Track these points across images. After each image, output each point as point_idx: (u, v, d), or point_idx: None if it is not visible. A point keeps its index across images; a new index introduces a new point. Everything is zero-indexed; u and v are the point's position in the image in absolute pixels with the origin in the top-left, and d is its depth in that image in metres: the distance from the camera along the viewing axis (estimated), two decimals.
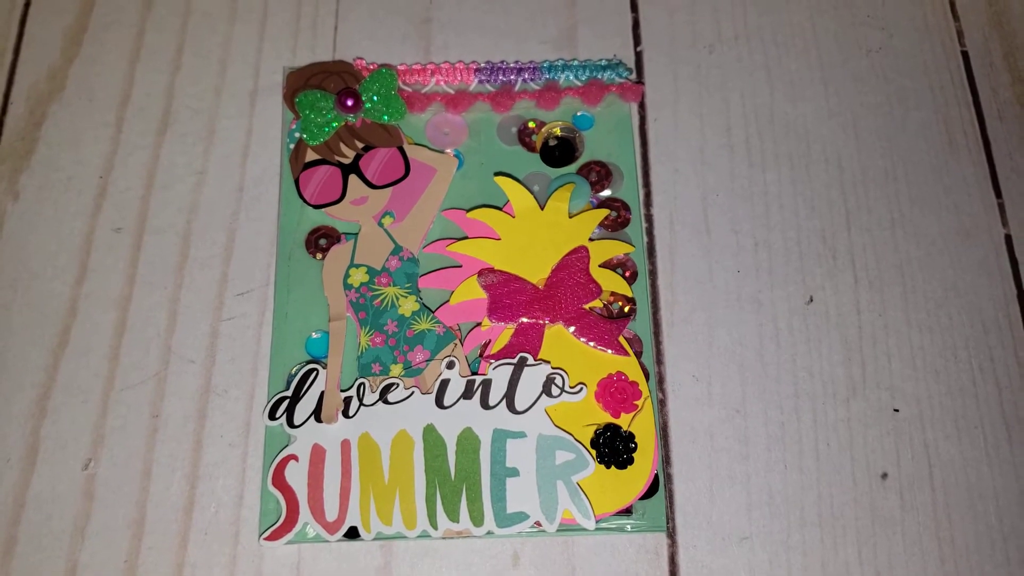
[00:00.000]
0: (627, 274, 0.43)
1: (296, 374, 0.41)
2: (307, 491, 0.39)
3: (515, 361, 0.40)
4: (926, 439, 0.42)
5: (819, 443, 0.41)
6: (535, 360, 0.41)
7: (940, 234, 0.46)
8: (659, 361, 0.43)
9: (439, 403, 0.40)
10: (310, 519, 0.38)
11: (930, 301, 0.44)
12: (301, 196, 0.44)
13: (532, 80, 0.47)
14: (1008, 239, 0.46)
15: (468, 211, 0.44)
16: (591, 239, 0.43)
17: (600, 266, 0.43)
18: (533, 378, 0.40)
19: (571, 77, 0.47)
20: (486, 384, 0.40)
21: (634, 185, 0.45)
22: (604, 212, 0.44)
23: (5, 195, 0.45)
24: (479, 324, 0.42)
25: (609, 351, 0.41)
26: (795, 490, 0.40)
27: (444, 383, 0.40)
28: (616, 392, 0.40)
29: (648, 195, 0.46)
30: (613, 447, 0.39)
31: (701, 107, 0.48)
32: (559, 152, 0.46)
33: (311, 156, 0.44)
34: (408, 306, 0.42)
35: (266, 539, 0.38)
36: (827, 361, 0.43)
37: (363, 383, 0.40)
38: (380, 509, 0.38)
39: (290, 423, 0.40)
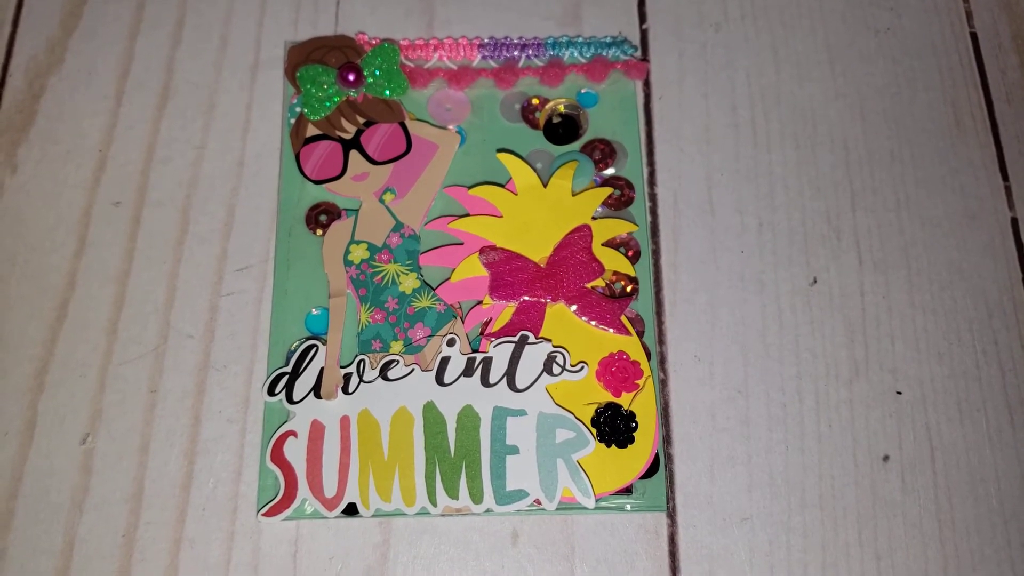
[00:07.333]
0: (630, 253, 0.43)
1: (296, 350, 0.40)
2: (306, 467, 0.39)
3: (516, 339, 0.40)
4: (928, 422, 0.41)
5: (821, 424, 0.41)
6: (536, 338, 0.40)
7: (946, 216, 0.45)
8: (661, 341, 0.42)
9: (439, 380, 0.40)
10: (308, 495, 0.38)
11: (934, 283, 0.44)
12: (302, 171, 0.43)
13: (536, 56, 0.46)
14: (1014, 222, 0.45)
15: (470, 188, 0.43)
16: (594, 217, 0.43)
17: (603, 245, 0.42)
18: (534, 356, 0.40)
19: (575, 54, 0.46)
20: (487, 362, 0.40)
21: (638, 164, 0.45)
22: (607, 190, 0.44)
23: (3, 168, 0.45)
24: (480, 302, 0.41)
25: (611, 330, 0.41)
26: (796, 471, 0.40)
27: (444, 360, 0.40)
28: (617, 371, 0.40)
29: (652, 174, 0.45)
30: (614, 426, 0.39)
31: (707, 86, 0.47)
32: (563, 129, 0.45)
33: (312, 131, 0.44)
34: (409, 283, 0.42)
35: (264, 515, 0.38)
36: (830, 342, 0.42)
37: (363, 360, 0.40)
38: (379, 486, 0.38)
39: (289, 399, 0.39)
